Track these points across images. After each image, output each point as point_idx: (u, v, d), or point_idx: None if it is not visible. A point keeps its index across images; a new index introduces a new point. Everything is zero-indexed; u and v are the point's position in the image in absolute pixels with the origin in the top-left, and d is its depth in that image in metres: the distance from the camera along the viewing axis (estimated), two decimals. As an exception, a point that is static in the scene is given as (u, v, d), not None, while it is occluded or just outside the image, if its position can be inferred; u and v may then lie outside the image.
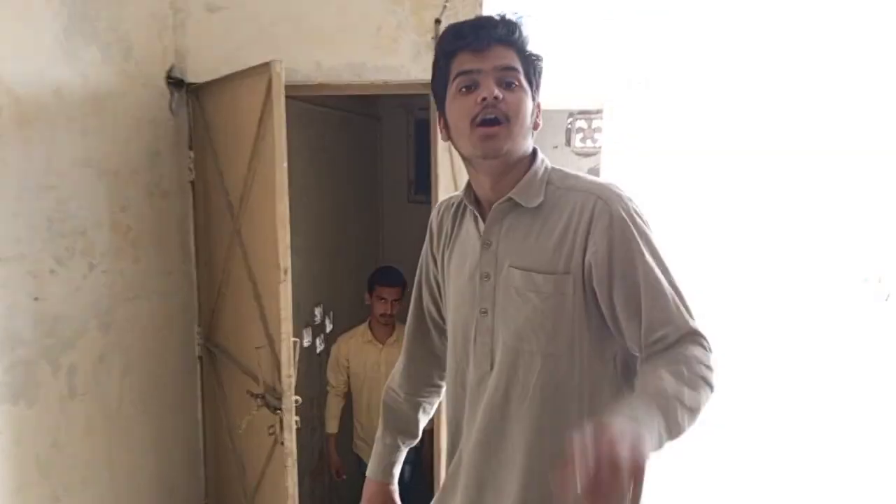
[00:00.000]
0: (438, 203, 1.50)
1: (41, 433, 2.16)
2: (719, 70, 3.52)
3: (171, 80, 2.69)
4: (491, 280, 1.28)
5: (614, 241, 1.18)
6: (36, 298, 2.11)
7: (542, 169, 1.29)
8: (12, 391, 2.03)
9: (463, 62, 1.21)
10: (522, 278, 1.24)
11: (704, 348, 1.15)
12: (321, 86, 2.68)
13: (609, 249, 1.18)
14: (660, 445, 1.02)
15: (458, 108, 1.22)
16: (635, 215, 1.21)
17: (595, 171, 5.97)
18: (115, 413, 2.46)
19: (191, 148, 2.80)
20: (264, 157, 2.25)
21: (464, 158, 1.30)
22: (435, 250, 1.47)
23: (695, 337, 1.15)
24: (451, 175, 2.68)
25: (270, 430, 2.27)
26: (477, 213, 1.33)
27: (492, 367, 1.29)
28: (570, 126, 6.49)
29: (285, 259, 2.17)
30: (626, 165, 4.56)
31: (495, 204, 1.28)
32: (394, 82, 2.64)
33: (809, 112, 3.21)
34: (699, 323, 1.18)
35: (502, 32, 1.21)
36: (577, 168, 6.41)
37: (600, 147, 5.14)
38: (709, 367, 1.13)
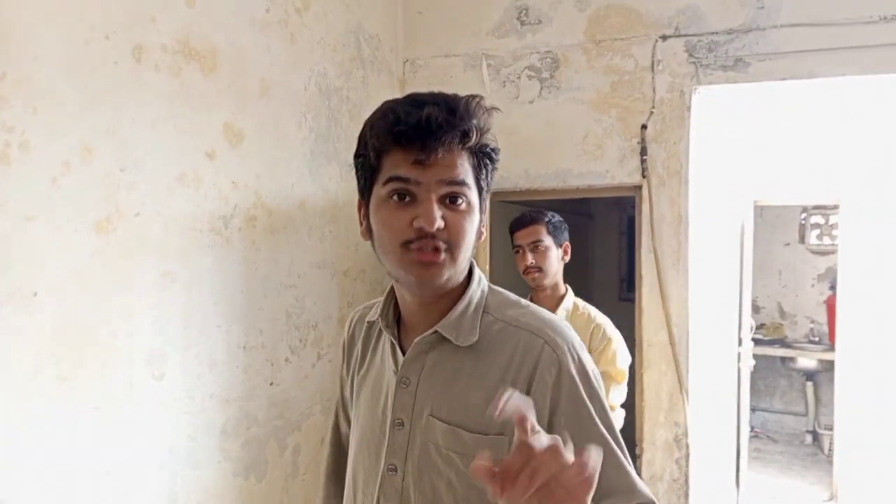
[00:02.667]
0: (352, 313, 1.25)
1: (269, 506, 2.41)
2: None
3: (396, 190, 3.00)
4: (405, 428, 1.03)
5: (560, 402, 0.96)
6: (271, 383, 2.41)
7: (479, 294, 1.05)
8: (245, 466, 2.31)
9: (398, 164, 0.95)
10: (446, 434, 0.99)
11: None
12: (529, 191, 2.82)
13: (553, 411, 0.96)
14: None
15: (388, 220, 0.97)
16: (587, 368, 1.00)
17: (833, 270, 5.48)
18: (331, 493, 2.67)
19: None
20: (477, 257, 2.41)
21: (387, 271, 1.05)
22: (345, 374, 1.23)
23: None
24: (655, 275, 2.65)
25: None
26: (395, 340, 1.07)
27: None
28: (803, 222, 6.06)
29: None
30: (867, 266, 4.14)
31: (418, 338, 1.03)
32: (597, 186, 2.71)
33: None
34: (648, 490, 1.02)
35: (457, 137, 0.94)
36: (813, 268, 5.96)
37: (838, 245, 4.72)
38: None
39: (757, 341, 5.23)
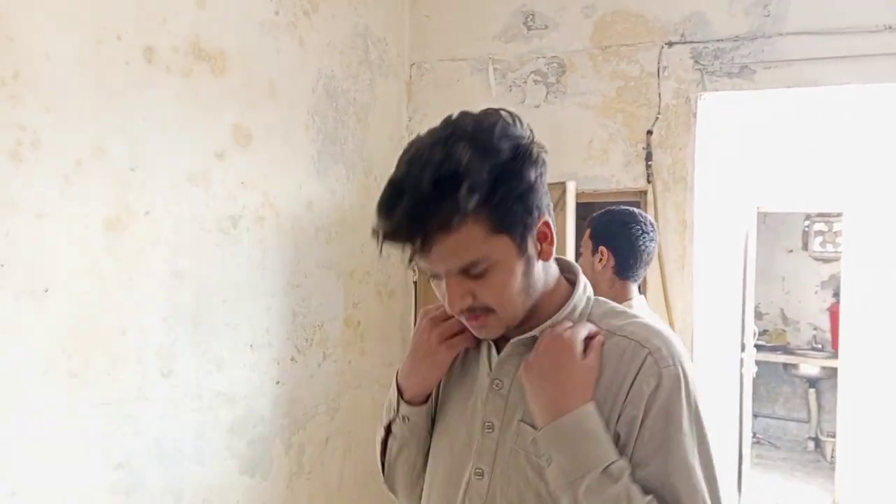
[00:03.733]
0: None
1: (272, 504, 2.43)
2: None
3: (402, 192, 3.02)
4: (495, 433, 0.99)
5: (651, 413, 0.92)
6: (278, 382, 2.42)
7: (584, 301, 1.01)
8: (251, 464, 2.32)
9: (413, 256, 0.90)
10: (535, 440, 0.94)
11: None
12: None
13: (643, 422, 0.92)
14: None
15: (435, 290, 0.96)
16: (688, 383, 0.95)
17: (836, 278, 5.48)
18: (334, 492, 2.69)
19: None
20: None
21: None
22: None
23: None
24: (659, 280, 2.66)
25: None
26: (491, 341, 1.03)
27: None
28: (807, 229, 6.07)
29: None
30: (871, 274, 4.15)
31: (514, 339, 0.99)
32: (603, 191, 2.72)
33: None
34: None
35: (435, 230, 0.85)
36: (816, 275, 5.95)
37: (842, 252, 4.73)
38: None
39: (759, 347, 5.23)
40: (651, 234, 1.97)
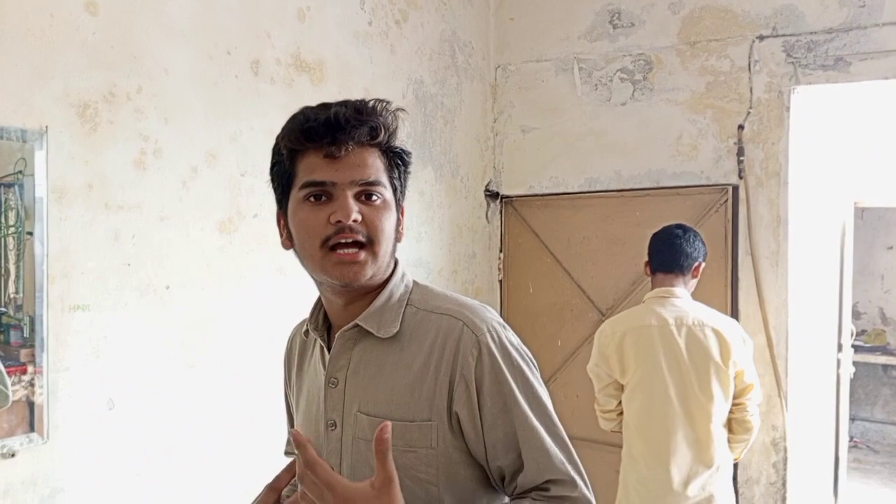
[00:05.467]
0: (292, 330, 1.23)
1: None
2: None
3: (487, 193, 3.09)
4: (337, 430, 1.02)
5: (484, 382, 0.96)
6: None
7: (402, 287, 1.04)
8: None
9: (312, 168, 0.96)
10: (372, 428, 0.93)
11: None
12: (620, 192, 2.84)
13: (479, 392, 0.96)
14: None
15: (305, 222, 0.97)
16: (509, 347, 0.99)
17: (942, 275, 5.21)
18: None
19: (501, 251, 3.14)
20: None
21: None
22: (288, 390, 1.23)
23: (575, 495, 0.96)
24: (752, 277, 2.63)
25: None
26: (323, 343, 1.06)
27: None
28: (907, 224, 5.78)
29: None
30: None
31: (339, 332, 1.03)
32: (690, 186, 2.70)
33: None
34: (583, 479, 0.98)
35: (365, 132, 0.96)
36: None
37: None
38: None
39: (857, 348, 5.03)
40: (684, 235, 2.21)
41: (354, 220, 0.94)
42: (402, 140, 1.01)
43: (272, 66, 2.12)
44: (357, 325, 1.00)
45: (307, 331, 1.10)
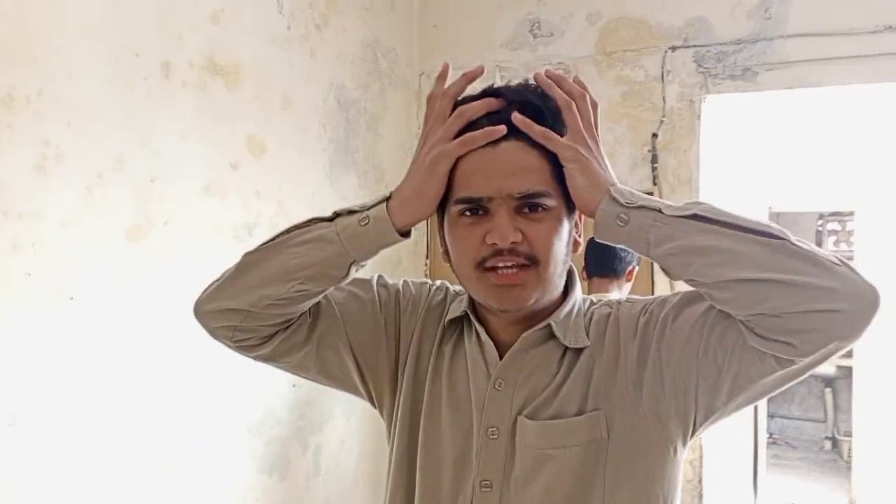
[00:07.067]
0: (445, 284, 1.11)
1: (290, 505, 2.49)
2: None
3: (413, 199, 3.09)
4: (500, 438, 0.90)
5: (640, 327, 0.90)
6: (294, 385, 2.49)
7: (581, 299, 0.97)
8: (269, 464, 2.39)
9: (466, 182, 0.86)
10: (538, 433, 0.89)
11: None
12: (542, 199, 2.89)
13: (644, 336, 0.89)
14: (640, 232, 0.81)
15: (460, 239, 0.88)
16: (631, 300, 0.97)
17: (851, 277, 5.45)
18: (349, 493, 2.75)
19: (427, 257, 3.15)
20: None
21: None
22: (409, 344, 1.02)
23: None
24: (668, 283, 2.70)
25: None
26: (486, 335, 0.95)
27: None
28: (820, 228, 6.06)
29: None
30: (884, 272, 4.15)
31: (526, 333, 0.92)
32: (610, 194, 2.77)
33: None
34: None
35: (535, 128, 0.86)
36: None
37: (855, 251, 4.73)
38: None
39: (774, 348, 5.22)
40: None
41: (514, 243, 0.84)
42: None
43: (184, 69, 2.07)
44: (548, 326, 0.91)
45: (457, 315, 0.97)
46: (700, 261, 0.79)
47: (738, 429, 3.72)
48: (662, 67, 2.72)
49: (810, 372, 0.86)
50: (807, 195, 4.77)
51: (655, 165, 2.71)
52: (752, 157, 3.88)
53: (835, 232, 5.98)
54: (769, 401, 4.60)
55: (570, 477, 0.87)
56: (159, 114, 2.00)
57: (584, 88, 0.88)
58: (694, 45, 2.68)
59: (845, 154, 4.17)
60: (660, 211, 0.81)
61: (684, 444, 0.92)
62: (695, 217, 0.80)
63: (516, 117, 0.84)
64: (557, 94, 0.87)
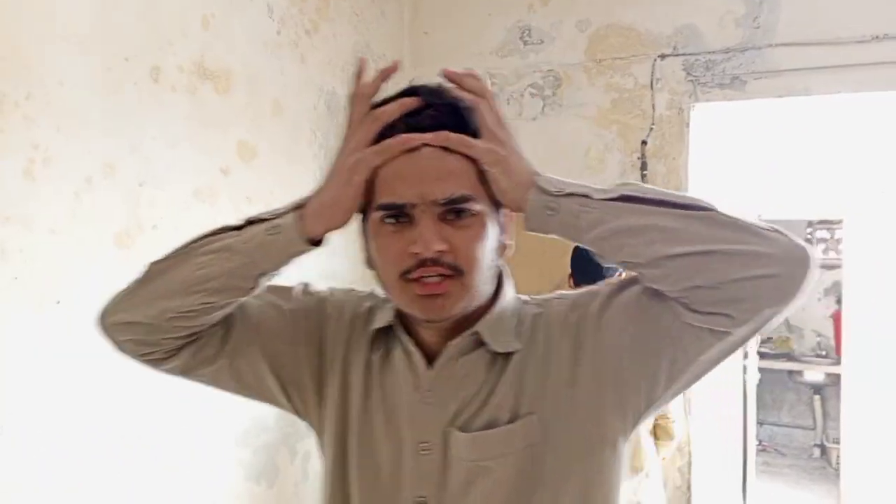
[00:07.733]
0: (367, 297, 1.04)
1: (279, 512, 2.48)
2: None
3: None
4: (432, 453, 0.87)
5: (570, 324, 0.88)
6: (283, 392, 2.48)
7: (513, 300, 0.94)
8: (256, 471, 2.37)
9: (389, 187, 0.83)
10: (470, 445, 0.86)
11: None
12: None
13: (580, 340, 0.87)
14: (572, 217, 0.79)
15: (384, 249, 0.85)
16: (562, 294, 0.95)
17: (840, 285, 5.50)
18: (340, 501, 2.74)
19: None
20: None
21: None
22: (335, 354, 0.97)
23: None
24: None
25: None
26: (414, 345, 0.91)
27: None
28: (809, 236, 6.09)
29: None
30: (872, 280, 4.18)
31: (452, 342, 0.88)
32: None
33: None
34: None
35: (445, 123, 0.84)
36: (819, 282, 5.96)
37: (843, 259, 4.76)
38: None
39: (763, 355, 5.26)
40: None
41: (439, 251, 0.81)
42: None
43: (174, 74, 2.06)
44: (475, 334, 0.88)
45: (377, 328, 0.93)
46: (632, 241, 0.78)
47: (727, 436, 3.73)
48: (652, 75, 2.73)
49: (746, 343, 0.84)
50: (796, 203, 4.80)
51: (645, 172, 2.73)
52: (741, 164, 3.91)
53: (824, 240, 6.01)
54: (759, 408, 4.62)
55: (506, 488, 0.85)
56: (149, 119, 1.99)
57: (478, 79, 0.87)
58: (683, 54, 2.70)
59: (834, 163, 4.20)
60: (588, 196, 0.80)
61: (626, 438, 0.89)
62: (623, 198, 0.79)
63: (432, 140, 0.82)
64: (464, 95, 0.86)
